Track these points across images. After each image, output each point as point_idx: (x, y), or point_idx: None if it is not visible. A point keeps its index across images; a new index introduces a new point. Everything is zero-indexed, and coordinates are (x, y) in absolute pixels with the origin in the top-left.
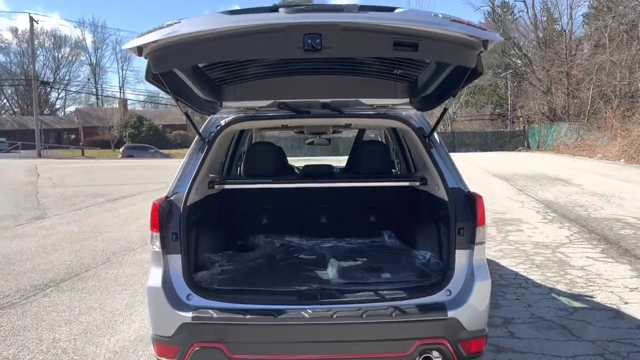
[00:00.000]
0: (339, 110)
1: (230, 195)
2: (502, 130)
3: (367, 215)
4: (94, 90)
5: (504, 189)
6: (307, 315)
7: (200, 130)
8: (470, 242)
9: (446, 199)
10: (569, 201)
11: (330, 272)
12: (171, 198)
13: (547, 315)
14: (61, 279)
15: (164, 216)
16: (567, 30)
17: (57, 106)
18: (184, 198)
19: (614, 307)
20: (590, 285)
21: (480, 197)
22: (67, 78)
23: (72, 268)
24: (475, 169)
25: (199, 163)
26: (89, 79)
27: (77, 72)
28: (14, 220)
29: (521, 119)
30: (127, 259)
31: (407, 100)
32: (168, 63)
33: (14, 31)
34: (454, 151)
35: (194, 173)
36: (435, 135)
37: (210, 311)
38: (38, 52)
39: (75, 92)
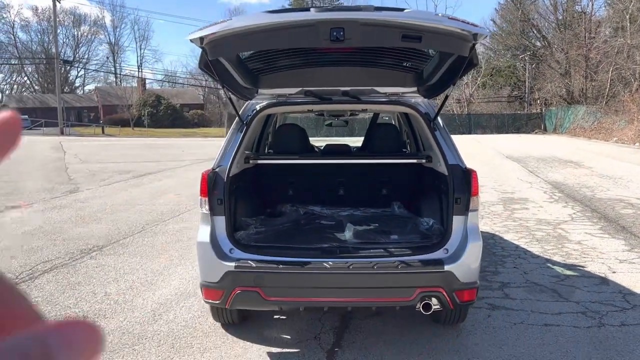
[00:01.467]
0: (356, 97)
1: (262, 170)
2: (519, 112)
3: (380, 188)
4: (113, 69)
5: (516, 170)
6: (328, 266)
7: (240, 113)
8: (465, 210)
9: (446, 173)
10: (577, 182)
11: (347, 234)
12: (216, 170)
13: (541, 281)
14: (103, 245)
15: (211, 184)
16: (587, 12)
17: (77, 84)
18: (227, 170)
19: (602, 275)
20: (584, 257)
21: (475, 171)
22: (86, 57)
23: (111, 236)
24: (490, 151)
25: (239, 141)
26: (107, 58)
27: (96, 51)
28: (50, 193)
29: (538, 101)
30: (159, 228)
31: (415, 88)
32: (222, 51)
33: (34, 9)
34: (469, 133)
35: (235, 150)
36: (439, 119)
37: (250, 262)
38: (58, 31)
39: (94, 70)
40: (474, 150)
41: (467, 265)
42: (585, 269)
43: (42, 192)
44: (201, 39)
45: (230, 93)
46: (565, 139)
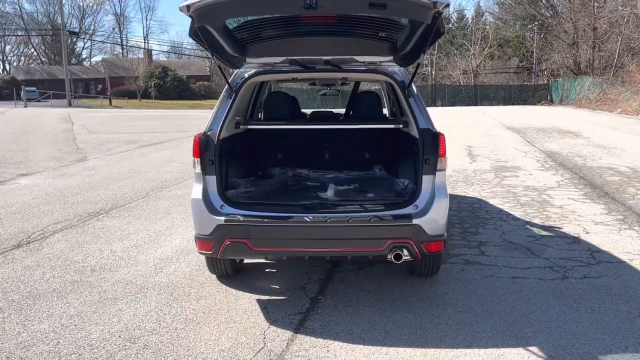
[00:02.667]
0: (337, 66)
1: (253, 135)
2: (526, 83)
3: (363, 152)
4: (119, 40)
5: (513, 141)
6: (308, 220)
7: (229, 81)
8: (434, 169)
9: (417, 136)
10: (571, 152)
11: (329, 193)
12: (208, 133)
13: (516, 240)
14: (109, 208)
15: (203, 146)
16: None
17: (83, 56)
18: (217, 134)
19: (576, 235)
20: (562, 220)
21: (443, 135)
22: (92, 28)
23: (117, 200)
24: (493, 122)
25: (228, 107)
26: (113, 29)
27: (102, 22)
28: (58, 162)
29: (545, 72)
30: (163, 194)
31: (391, 57)
32: (206, 18)
33: None
34: (476, 104)
35: (224, 115)
36: (413, 86)
37: (238, 216)
38: (63, 1)
39: (100, 42)
40: (476, 121)
41: (434, 219)
42: (561, 230)
43: (52, 160)
44: (188, 7)
45: (220, 62)
46: (570, 110)
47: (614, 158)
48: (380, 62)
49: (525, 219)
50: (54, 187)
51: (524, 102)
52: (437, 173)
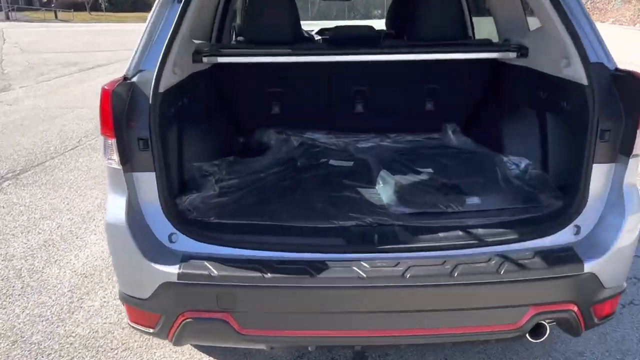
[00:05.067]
0: None
1: (226, 73)
2: None
3: (423, 101)
4: None
5: None
6: (363, 274)
7: None
8: (620, 153)
9: (583, 81)
10: None
11: (384, 193)
12: (133, 80)
13: None
14: (21, 169)
15: (123, 110)
16: None
17: None
18: (153, 79)
19: None
20: None
21: None
22: None
23: (35, 154)
24: None
25: (175, 21)
26: None
27: None
28: None
29: None
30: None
31: None
32: None
33: None
34: None
35: (167, 38)
36: None
37: (207, 264)
38: None
39: None
40: None
41: (617, 257)
42: None
43: None
44: None
45: None
46: None
47: None
48: None
49: None
50: None
51: None
52: (630, 160)
